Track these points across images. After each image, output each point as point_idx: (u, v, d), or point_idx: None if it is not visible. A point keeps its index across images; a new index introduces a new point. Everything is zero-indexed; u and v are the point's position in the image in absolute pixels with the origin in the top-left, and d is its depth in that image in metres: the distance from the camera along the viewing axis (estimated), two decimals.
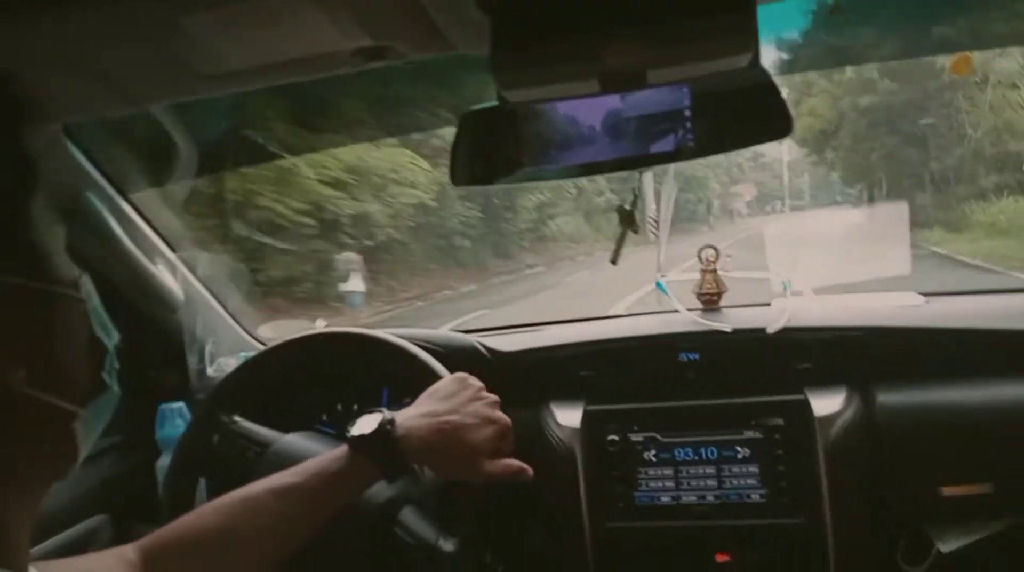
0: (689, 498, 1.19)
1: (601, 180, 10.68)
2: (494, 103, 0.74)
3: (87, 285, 0.55)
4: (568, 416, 1.25)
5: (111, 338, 0.58)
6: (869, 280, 1.55)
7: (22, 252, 0.49)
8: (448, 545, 0.85)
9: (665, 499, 1.20)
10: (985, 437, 1.11)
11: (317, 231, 7.50)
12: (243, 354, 1.37)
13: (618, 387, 1.28)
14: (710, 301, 1.36)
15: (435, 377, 0.96)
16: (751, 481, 1.17)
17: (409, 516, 0.86)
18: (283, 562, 0.74)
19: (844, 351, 1.23)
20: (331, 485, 0.76)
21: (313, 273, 7.43)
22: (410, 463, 0.80)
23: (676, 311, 1.35)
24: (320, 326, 1.49)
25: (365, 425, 0.80)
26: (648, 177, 1.04)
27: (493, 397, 0.86)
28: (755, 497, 1.17)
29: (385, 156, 8.79)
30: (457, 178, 0.83)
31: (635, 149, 0.75)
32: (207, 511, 0.75)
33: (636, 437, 1.21)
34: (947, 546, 1.12)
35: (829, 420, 1.14)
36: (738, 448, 1.18)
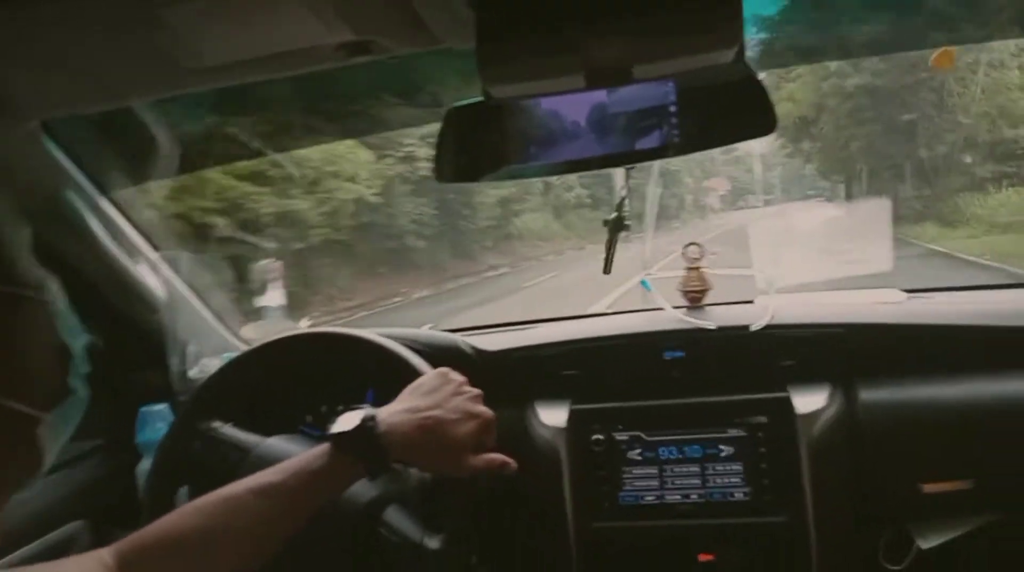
0: (673, 497, 1.19)
1: (571, 175, 10.36)
2: (479, 99, 0.74)
3: (54, 287, 0.53)
4: (553, 416, 1.25)
5: (80, 341, 0.56)
6: (856, 277, 1.56)
7: None
8: (433, 543, 0.84)
9: (649, 498, 1.20)
10: (965, 434, 1.12)
11: (231, 234, 6.46)
12: (227, 355, 1.35)
13: (603, 386, 1.28)
14: (695, 298, 1.36)
15: (419, 376, 0.95)
16: (735, 480, 1.17)
17: (393, 515, 0.85)
18: (266, 562, 0.73)
19: (826, 348, 1.24)
20: (313, 483, 0.75)
21: (229, 284, 6.95)
22: (393, 459, 0.79)
23: (661, 309, 1.36)
24: (304, 326, 1.48)
25: (346, 422, 0.79)
26: (620, 173, 1.04)
27: (476, 391, 0.85)
28: (738, 495, 1.17)
29: (318, 147, 7.44)
30: (442, 175, 0.82)
31: (621, 145, 0.76)
32: (187, 511, 0.73)
33: (621, 436, 1.21)
34: (927, 543, 1.13)
35: (812, 418, 1.15)
36: (722, 446, 1.18)
